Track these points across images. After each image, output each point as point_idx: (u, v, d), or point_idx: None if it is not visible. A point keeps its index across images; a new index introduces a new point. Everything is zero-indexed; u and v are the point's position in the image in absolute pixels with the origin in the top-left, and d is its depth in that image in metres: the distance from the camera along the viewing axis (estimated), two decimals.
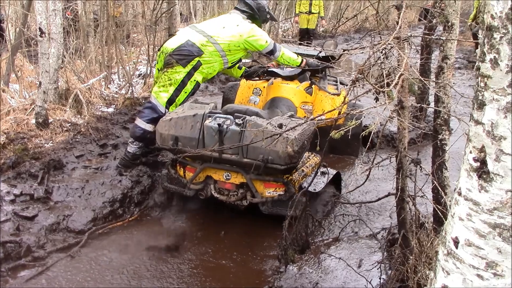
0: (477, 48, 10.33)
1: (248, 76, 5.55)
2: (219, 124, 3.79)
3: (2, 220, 3.76)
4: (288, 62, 4.98)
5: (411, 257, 2.93)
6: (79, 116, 5.83)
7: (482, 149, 1.37)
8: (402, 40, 2.71)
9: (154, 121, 4.54)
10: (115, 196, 4.33)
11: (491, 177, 1.37)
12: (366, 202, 4.55)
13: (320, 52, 5.62)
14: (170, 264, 3.67)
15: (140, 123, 4.63)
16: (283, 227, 3.20)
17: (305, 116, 5.01)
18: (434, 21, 4.06)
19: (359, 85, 2.86)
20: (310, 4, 12.64)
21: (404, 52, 2.70)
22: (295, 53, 5.19)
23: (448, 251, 1.54)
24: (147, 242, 3.93)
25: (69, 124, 5.55)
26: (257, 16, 4.97)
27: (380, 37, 2.86)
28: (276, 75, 5.55)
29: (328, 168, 4.45)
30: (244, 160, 3.79)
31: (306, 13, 12.73)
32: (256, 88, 5.64)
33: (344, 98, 2.88)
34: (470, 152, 1.43)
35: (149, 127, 4.59)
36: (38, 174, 4.40)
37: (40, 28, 5.31)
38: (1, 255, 3.46)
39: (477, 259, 1.44)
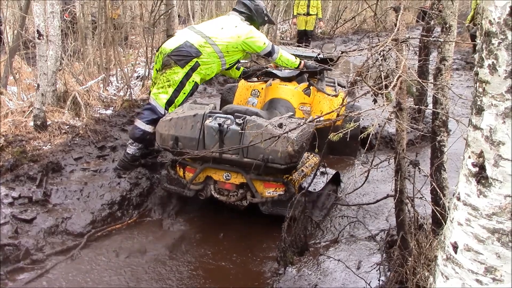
0: (475, 49, 10.35)
1: (246, 76, 5.56)
2: (219, 124, 3.80)
3: (1, 223, 3.75)
4: (286, 64, 5.00)
5: (410, 259, 2.94)
6: (77, 118, 5.83)
7: (480, 154, 1.38)
8: (400, 42, 2.71)
9: (153, 122, 4.56)
10: (114, 198, 4.33)
11: (489, 182, 1.37)
12: (365, 204, 4.55)
13: (319, 54, 5.63)
14: (169, 267, 3.67)
15: (140, 124, 4.63)
16: (282, 229, 3.20)
17: (303, 117, 5.02)
18: (432, 22, 4.07)
19: (357, 87, 2.87)
20: (308, 6, 12.64)
21: (402, 54, 2.70)
22: (293, 54, 5.20)
23: (447, 256, 1.54)
24: (146, 244, 3.93)
25: (68, 126, 5.55)
26: (255, 17, 4.99)
27: (378, 38, 2.87)
28: (274, 76, 5.56)
29: (328, 168, 4.46)
30: (244, 159, 3.80)
31: (304, 14, 12.73)
32: (254, 90, 5.65)
33: (343, 100, 2.88)
34: (469, 157, 1.43)
35: (148, 128, 4.60)
36: (37, 176, 4.40)
37: (38, 31, 5.30)
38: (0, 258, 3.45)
39: (476, 264, 1.44)
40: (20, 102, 6.02)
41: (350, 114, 2.74)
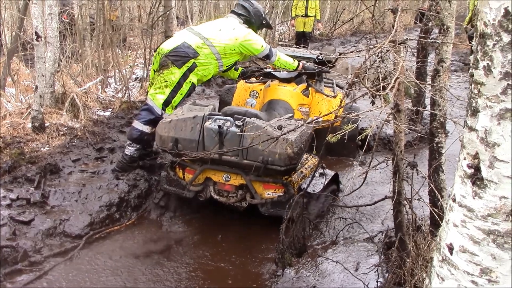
0: (472, 51, 10.35)
1: (245, 77, 5.57)
2: (219, 126, 3.80)
3: None
4: (285, 66, 5.01)
5: (408, 260, 2.94)
6: (75, 120, 5.82)
7: (476, 156, 1.38)
8: (398, 43, 2.71)
9: (151, 122, 4.57)
10: (112, 200, 4.32)
11: (485, 183, 1.37)
12: (363, 205, 4.56)
13: (318, 56, 5.64)
14: (168, 268, 3.66)
15: (137, 124, 4.64)
16: (280, 231, 3.20)
17: (302, 118, 5.03)
18: (430, 24, 4.09)
19: (355, 89, 2.87)
20: (306, 7, 12.64)
21: (400, 55, 2.71)
22: (291, 56, 5.21)
23: (443, 257, 1.55)
24: (145, 246, 3.93)
25: (66, 128, 5.54)
26: (253, 20, 5.02)
27: (376, 40, 2.87)
28: (273, 77, 5.58)
29: (326, 170, 4.47)
30: (244, 161, 3.80)
31: (302, 16, 12.74)
32: (253, 91, 5.66)
33: (341, 101, 2.89)
34: (464, 159, 1.43)
35: (146, 128, 4.61)
36: (35, 178, 4.39)
37: (36, 32, 5.30)
38: None
39: (472, 266, 1.44)
40: (18, 104, 6.02)
41: (348, 115, 2.75)
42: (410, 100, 6.08)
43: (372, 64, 2.66)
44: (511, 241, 1.36)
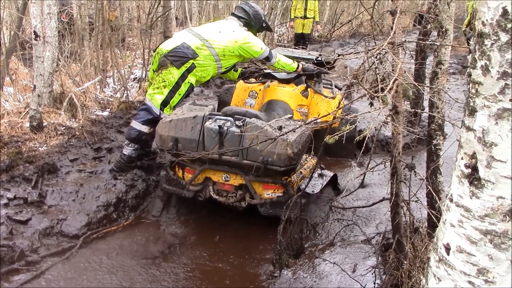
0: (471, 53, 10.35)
1: (244, 77, 5.58)
2: (219, 126, 3.81)
3: None
4: (284, 68, 5.02)
5: (405, 262, 2.94)
6: (73, 119, 5.82)
7: (473, 156, 1.38)
8: (397, 45, 2.72)
9: (149, 122, 4.58)
10: (109, 200, 4.31)
11: (482, 183, 1.37)
12: (361, 207, 4.56)
13: (318, 57, 5.65)
14: (166, 268, 3.66)
15: (135, 124, 4.63)
16: (278, 232, 3.20)
17: (301, 119, 5.03)
18: (429, 26, 4.08)
19: (354, 90, 2.87)
20: (305, 9, 12.65)
21: (399, 57, 2.71)
22: (291, 57, 5.21)
23: (440, 257, 1.54)
24: (142, 246, 3.92)
25: (64, 127, 5.53)
26: (253, 23, 5.04)
27: (375, 42, 2.87)
28: (272, 77, 5.58)
29: (325, 170, 4.47)
30: (244, 161, 3.81)
31: (301, 18, 12.75)
32: (252, 91, 5.66)
33: (339, 103, 2.89)
34: (462, 159, 1.43)
35: (144, 128, 4.60)
36: (32, 177, 4.38)
37: (35, 32, 5.30)
38: None
39: (469, 266, 1.44)
40: (16, 103, 6.01)
41: (347, 116, 2.75)
42: (409, 102, 6.09)
43: (371, 66, 2.66)
44: (508, 242, 1.36)
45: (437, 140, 3.22)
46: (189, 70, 4.58)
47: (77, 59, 7.77)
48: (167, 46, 4.66)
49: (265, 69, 5.56)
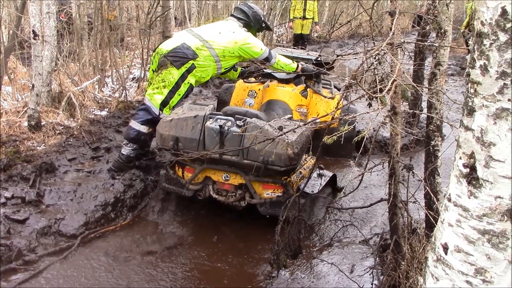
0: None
1: (244, 76, 5.58)
2: (220, 126, 3.81)
3: None
4: (283, 68, 5.02)
5: (403, 263, 2.94)
6: (72, 119, 5.81)
7: (471, 155, 1.38)
8: (395, 46, 2.71)
9: (148, 122, 4.57)
10: (107, 200, 4.31)
11: (480, 183, 1.37)
12: (359, 207, 4.57)
13: (317, 57, 5.65)
14: (164, 268, 3.66)
15: (134, 124, 4.63)
16: (276, 232, 3.19)
17: (300, 119, 5.04)
18: (427, 27, 4.09)
19: (352, 91, 2.87)
20: (304, 10, 12.66)
21: (397, 58, 2.71)
22: (290, 57, 5.22)
23: (438, 257, 1.54)
24: (140, 246, 3.91)
25: (62, 127, 5.53)
26: (252, 24, 5.06)
27: (374, 43, 2.87)
28: (272, 77, 5.59)
29: (325, 170, 4.47)
30: (244, 161, 3.81)
31: (300, 18, 12.75)
32: (251, 91, 5.67)
33: (338, 103, 2.89)
34: (460, 158, 1.43)
35: (143, 128, 4.60)
36: (30, 177, 4.38)
37: (33, 31, 5.29)
38: None
39: (466, 265, 1.44)
40: (15, 102, 6.00)
41: (345, 117, 2.75)
42: (407, 103, 6.10)
43: (370, 67, 2.66)
44: (505, 241, 1.36)
45: (435, 141, 3.22)
46: (189, 71, 4.59)
47: (75, 59, 7.76)
48: (167, 46, 4.66)
49: (265, 69, 5.56)
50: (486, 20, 1.29)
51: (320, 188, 4.25)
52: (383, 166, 3.07)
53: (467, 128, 1.39)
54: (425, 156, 3.37)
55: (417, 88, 3.28)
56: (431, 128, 3.23)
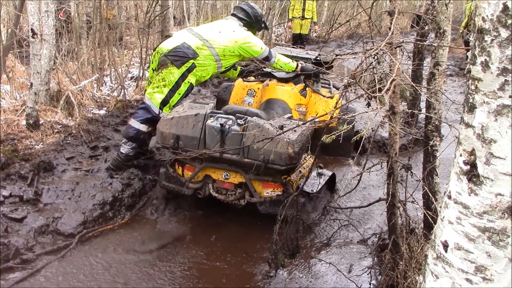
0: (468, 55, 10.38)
1: (244, 75, 5.59)
2: (221, 124, 3.81)
3: None
4: (284, 67, 5.03)
5: (401, 263, 2.93)
6: (70, 118, 5.80)
7: (472, 152, 1.37)
8: (394, 46, 2.71)
9: (147, 121, 4.57)
10: (105, 198, 4.29)
11: (481, 180, 1.36)
12: (357, 207, 4.57)
13: (317, 57, 5.65)
14: (161, 267, 3.65)
15: (134, 123, 4.63)
16: (274, 231, 3.19)
17: (299, 118, 5.04)
18: (426, 27, 4.09)
19: (351, 90, 2.87)
20: (303, 10, 12.67)
21: (396, 58, 2.71)
22: (290, 56, 5.22)
23: (437, 254, 1.54)
24: (138, 245, 3.90)
25: (60, 125, 5.52)
26: (253, 23, 5.08)
27: (373, 42, 2.87)
28: (271, 76, 5.59)
29: (324, 170, 4.47)
30: (245, 160, 3.81)
31: (299, 18, 12.76)
32: (250, 89, 5.67)
33: (336, 102, 2.89)
34: (460, 155, 1.42)
35: (142, 127, 4.60)
36: (28, 175, 4.36)
37: (32, 29, 5.28)
38: None
39: (466, 263, 1.44)
40: (13, 101, 5.99)
41: (344, 116, 2.75)
42: (406, 103, 6.10)
43: (368, 66, 2.66)
44: (506, 239, 1.35)
45: (433, 141, 3.22)
46: (189, 70, 4.59)
47: (74, 57, 7.75)
48: (167, 45, 4.66)
49: (264, 67, 5.56)
50: (487, 16, 1.28)
51: (319, 187, 4.25)
52: (381, 166, 3.06)
53: (468, 125, 1.38)
54: (424, 156, 3.37)
55: (416, 88, 3.29)
56: (429, 128, 3.23)
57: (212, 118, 3.92)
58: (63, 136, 5.31)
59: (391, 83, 2.39)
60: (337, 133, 2.50)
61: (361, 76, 2.71)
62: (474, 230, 1.40)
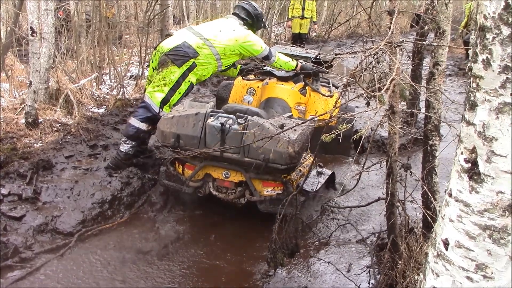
0: (468, 55, 10.38)
1: (244, 74, 5.60)
2: (221, 124, 3.82)
3: None
4: (284, 66, 5.04)
5: (400, 262, 2.93)
6: (69, 116, 5.79)
7: (473, 150, 1.37)
8: (394, 46, 2.71)
9: (147, 120, 4.57)
10: (104, 197, 4.29)
11: (482, 178, 1.36)
12: (356, 206, 4.57)
13: (317, 56, 5.66)
14: (160, 266, 3.64)
15: (134, 121, 4.62)
16: (273, 230, 3.19)
17: (298, 117, 5.05)
18: (426, 27, 4.09)
19: (350, 89, 2.87)
20: (303, 9, 12.68)
21: (396, 58, 2.71)
22: (289, 55, 5.23)
23: (438, 252, 1.54)
24: (137, 244, 3.90)
25: (59, 124, 5.51)
26: (254, 23, 5.09)
27: (372, 42, 2.87)
28: (271, 75, 5.60)
29: (324, 169, 4.47)
30: (245, 159, 3.81)
31: (298, 17, 12.77)
32: (250, 88, 5.68)
33: (336, 101, 2.89)
34: (461, 153, 1.42)
35: (142, 126, 4.60)
36: (27, 174, 4.36)
37: (31, 28, 5.28)
38: None
39: (467, 261, 1.44)
40: (12, 99, 5.98)
41: (344, 115, 2.75)
42: (405, 102, 6.10)
43: (368, 66, 2.66)
44: (507, 237, 1.35)
45: (433, 141, 3.22)
46: (190, 69, 4.59)
47: (73, 56, 7.74)
48: (168, 44, 4.66)
49: (264, 66, 5.57)
50: (489, 13, 1.28)
51: (319, 186, 4.25)
52: (380, 166, 3.06)
53: (469, 123, 1.38)
54: (423, 155, 3.37)
55: (416, 87, 3.29)
56: (429, 128, 3.23)
57: (212, 117, 3.92)
58: (62, 134, 5.30)
59: (390, 82, 2.39)
60: (337, 131, 2.50)
61: (361, 76, 2.71)
62: (475, 228, 1.40)
